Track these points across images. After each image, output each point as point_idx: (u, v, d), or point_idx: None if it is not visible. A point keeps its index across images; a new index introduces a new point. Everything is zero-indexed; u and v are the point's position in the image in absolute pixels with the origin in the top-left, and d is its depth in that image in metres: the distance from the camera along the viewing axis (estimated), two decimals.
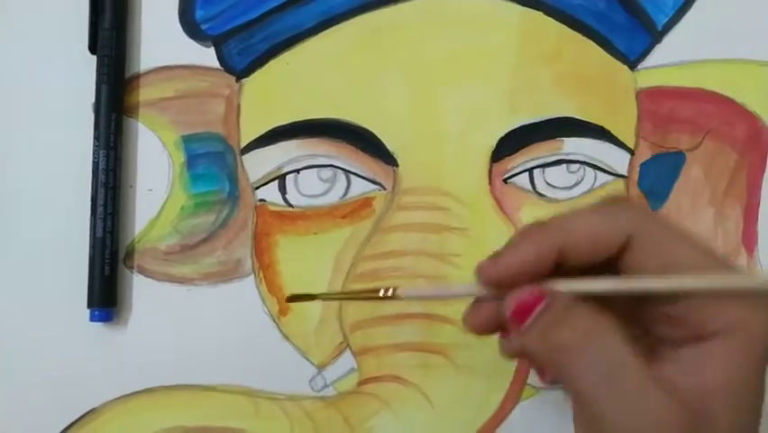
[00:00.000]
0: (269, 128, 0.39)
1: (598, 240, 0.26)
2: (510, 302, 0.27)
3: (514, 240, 0.28)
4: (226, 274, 0.39)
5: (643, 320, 0.27)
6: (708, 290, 0.25)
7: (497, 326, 0.29)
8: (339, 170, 0.39)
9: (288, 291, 0.38)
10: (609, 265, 0.27)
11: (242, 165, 0.39)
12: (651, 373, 0.25)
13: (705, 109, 0.39)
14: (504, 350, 0.30)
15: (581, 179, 0.39)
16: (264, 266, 0.39)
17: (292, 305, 0.38)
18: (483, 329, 0.29)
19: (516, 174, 0.39)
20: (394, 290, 0.30)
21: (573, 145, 0.39)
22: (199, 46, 0.39)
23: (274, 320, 0.39)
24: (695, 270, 0.25)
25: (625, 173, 0.39)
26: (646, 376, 0.25)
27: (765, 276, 0.26)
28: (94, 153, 0.38)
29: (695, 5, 0.40)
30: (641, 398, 0.24)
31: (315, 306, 0.38)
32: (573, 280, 0.27)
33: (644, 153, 0.39)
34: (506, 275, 0.27)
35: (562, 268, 0.27)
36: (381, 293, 0.30)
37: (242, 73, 0.39)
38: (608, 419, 0.25)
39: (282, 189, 0.39)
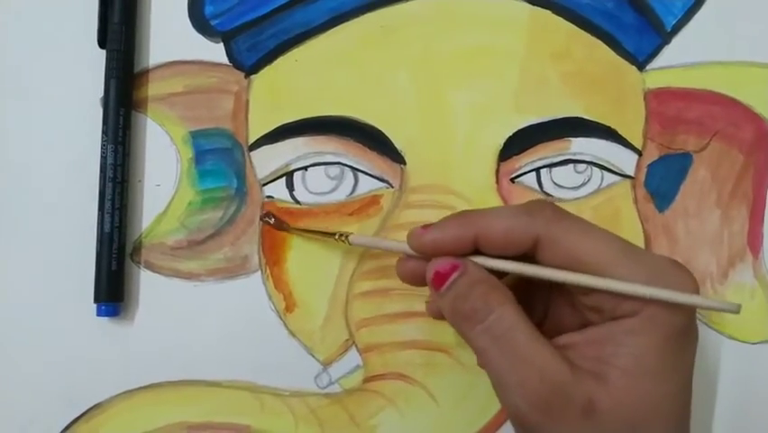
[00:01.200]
0: (278, 125, 0.39)
1: (509, 238, 0.30)
2: (430, 269, 0.32)
3: (442, 220, 0.32)
4: (233, 270, 0.39)
5: (561, 305, 0.33)
6: (603, 288, 0.29)
7: (421, 279, 0.32)
8: (347, 168, 0.39)
9: (296, 289, 0.39)
10: (528, 259, 0.31)
11: (250, 161, 0.39)
12: (547, 340, 0.29)
13: (712, 111, 0.39)
14: (428, 311, 0.36)
15: (588, 180, 0.39)
16: (271, 263, 0.39)
17: (299, 302, 0.38)
18: (409, 280, 0.34)
19: (524, 173, 0.39)
20: (347, 236, 0.36)
21: (581, 145, 0.39)
22: (208, 42, 0.39)
23: (280, 317, 0.39)
24: (596, 265, 0.29)
25: (632, 174, 0.39)
26: (536, 339, 0.29)
27: (652, 288, 0.28)
28: (102, 148, 0.38)
29: (704, 7, 0.40)
30: (529, 357, 0.29)
31: (322, 304, 0.39)
32: (488, 258, 0.31)
33: (652, 154, 0.39)
34: (429, 247, 0.32)
35: (485, 253, 0.31)
36: (336, 236, 0.36)
37: (250, 69, 0.39)
38: (503, 377, 0.29)
39: (290, 186, 0.39)
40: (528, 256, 0.31)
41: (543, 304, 0.34)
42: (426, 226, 0.32)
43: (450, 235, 0.31)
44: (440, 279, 0.31)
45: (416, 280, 0.33)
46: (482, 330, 0.30)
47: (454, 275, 0.31)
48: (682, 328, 0.29)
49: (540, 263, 0.30)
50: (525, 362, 0.29)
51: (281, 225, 0.38)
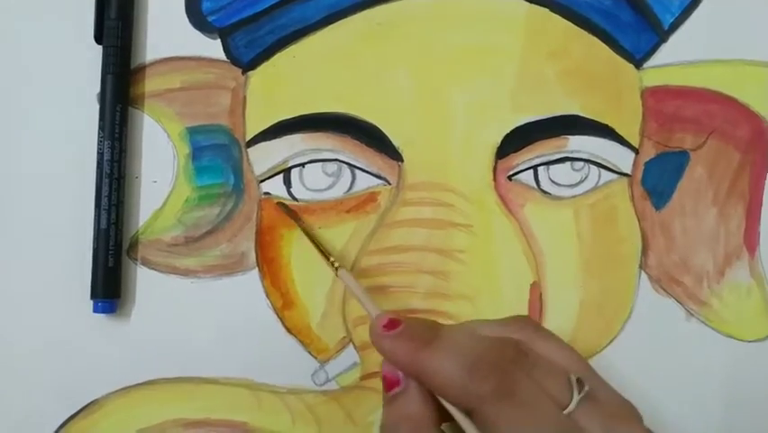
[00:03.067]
0: (275, 121, 0.39)
1: (445, 395, 0.29)
2: (383, 368, 0.31)
3: (402, 334, 0.30)
4: (230, 267, 0.39)
5: None
6: None
7: None
8: (344, 165, 0.39)
9: (293, 286, 0.39)
10: None
11: (248, 158, 0.39)
12: None
13: (709, 109, 0.39)
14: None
15: (586, 177, 0.39)
16: (268, 260, 0.39)
17: (296, 300, 0.38)
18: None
19: (521, 171, 0.39)
20: (338, 267, 0.35)
21: (578, 143, 0.39)
22: (205, 38, 0.39)
23: (277, 314, 0.39)
24: None
25: (629, 172, 0.39)
26: None
27: None
28: (99, 144, 0.38)
29: (701, 5, 0.40)
30: None
31: (319, 301, 0.39)
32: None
33: (649, 152, 0.39)
34: (380, 352, 0.31)
35: None
36: (332, 260, 0.36)
37: (248, 65, 0.39)
38: None
39: (287, 183, 0.39)
40: None
41: None
42: (392, 324, 0.31)
43: (396, 359, 0.30)
44: (386, 382, 0.31)
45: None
46: None
47: (396, 390, 0.30)
48: None
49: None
50: None
51: (293, 215, 0.38)
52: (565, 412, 0.28)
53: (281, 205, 0.39)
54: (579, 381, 0.29)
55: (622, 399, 0.31)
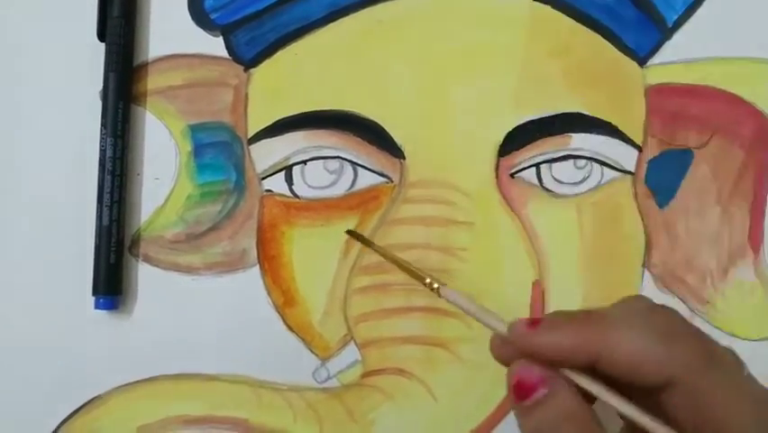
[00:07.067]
0: (277, 119, 0.39)
1: (635, 369, 0.25)
2: (512, 374, 0.27)
3: (557, 321, 0.27)
4: (231, 264, 0.39)
5: None
6: None
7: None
8: (346, 162, 0.39)
9: (294, 284, 0.39)
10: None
11: (249, 155, 0.39)
12: None
13: (713, 107, 0.39)
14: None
15: (589, 175, 0.39)
16: (269, 257, 0.39)
17: (297, 297, 0.38)
18: (501, 361, 0.29)
19: (524, 169, 0.39)
20: (438, 287, 0.31)
21: (581, 141, 0.39)
22: (208, 35, 0.39)
23: (278, 311, 0.39)
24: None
25: (632, 170, 0.39)
26: None
27: None
28: (101, 141, 0.38)
29: (705, 3, 0.39)
30: None
31: (321, 299, 0.38)
32: (594, 381, 0.26)
33: (652, 150, 0.39)
34: (537, 352, 0.26)
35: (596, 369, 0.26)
36: (428, 281, 0.32)
37: (250, 63, 0.39)
38: None
39: (289, 180, 0.39)
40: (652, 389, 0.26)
41: None
42: (534, 323, 0.27)
43: (562, 347, 0.26)
44: (522, 390, 0.26)
45: (508, 363, 0.28)
46: None
47: (539, 394, 0.26)
48: None
49: (662, 402, 0.25)
50: None
51: (367, 242, 0.37)
52: None
53: (352, 232, 0.38)
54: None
55: None
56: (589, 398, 0.26)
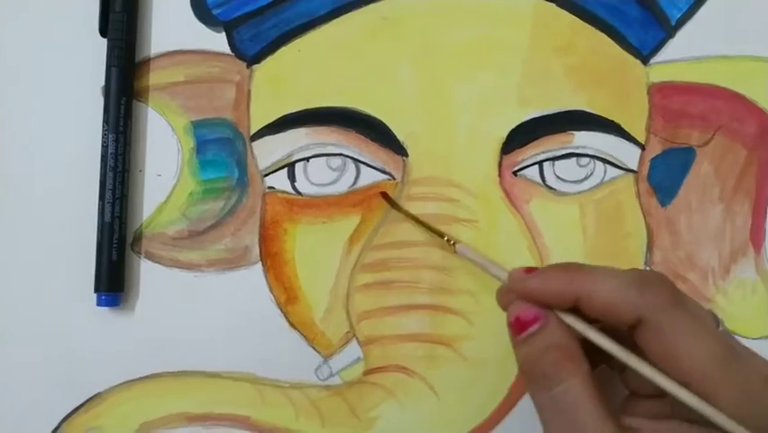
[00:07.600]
0: (279, 115, 0.39)
1: (610, 309, 0.29)
2: (512, 312, 0.30)
3: (549, 269, 0.31)
4: (234, 261, 0.39)
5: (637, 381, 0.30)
6: (697, 412, 0.27)
7: None
8: (348, 159, 0.39)
9: (297, 281, 0.38)
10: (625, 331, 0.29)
11: (252, 152, 0.39)
12: (613, 420, 0.27)
13: (716, 105, 0.39)
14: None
15: (591, 173, 0.39)
16: (272, 254, 0.39)
17: (299, 294, 0.38)
18: (504, 308, 0.32)
19: (526, 166, 0.39)
20: (454, 242, 0.36)
21: (584, 139, 0.39)
22: (210, 31, 0.39)
23: (281, 308, 0.39)
24: (690, 371, 0.27)
25: (635, 168, 0.39)
26: (599, 418, 0.27)
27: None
28: (103, 137, 0.38)
29: (708, 1, 0.39)
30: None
31: (323, 296, 0.38)
32: (577, 320, 0.30)
33: (655, 148, 0.39)
34: (527, 294, 0.30)
35: (581, 312, 0.30)
36: (446, 238, 0.36)
37: (252, 59, 0.39)
38: None
39: (291, 177, 0.39)
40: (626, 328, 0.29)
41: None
42: (530, 270, 0.31)
43: (551, 289, 0.30)
44: (519, 326, 0.30)
45: None
46: (547, 399, 0.28)
47: (534, 327, 0.30)
48: None
49: (636, 342, 0.29)
50: None
51: (395, 205, 0.38)
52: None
53: (383, 195, 0.38)
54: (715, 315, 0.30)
55: None
56: (577, 337, 0.30)
